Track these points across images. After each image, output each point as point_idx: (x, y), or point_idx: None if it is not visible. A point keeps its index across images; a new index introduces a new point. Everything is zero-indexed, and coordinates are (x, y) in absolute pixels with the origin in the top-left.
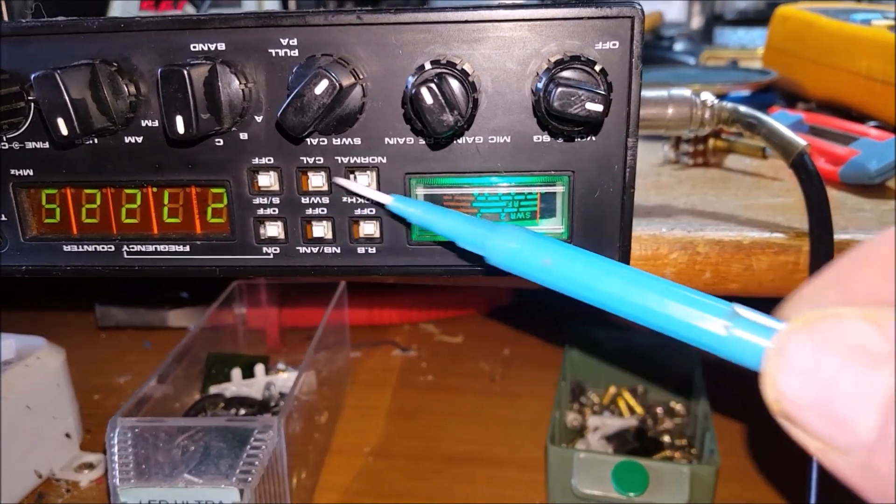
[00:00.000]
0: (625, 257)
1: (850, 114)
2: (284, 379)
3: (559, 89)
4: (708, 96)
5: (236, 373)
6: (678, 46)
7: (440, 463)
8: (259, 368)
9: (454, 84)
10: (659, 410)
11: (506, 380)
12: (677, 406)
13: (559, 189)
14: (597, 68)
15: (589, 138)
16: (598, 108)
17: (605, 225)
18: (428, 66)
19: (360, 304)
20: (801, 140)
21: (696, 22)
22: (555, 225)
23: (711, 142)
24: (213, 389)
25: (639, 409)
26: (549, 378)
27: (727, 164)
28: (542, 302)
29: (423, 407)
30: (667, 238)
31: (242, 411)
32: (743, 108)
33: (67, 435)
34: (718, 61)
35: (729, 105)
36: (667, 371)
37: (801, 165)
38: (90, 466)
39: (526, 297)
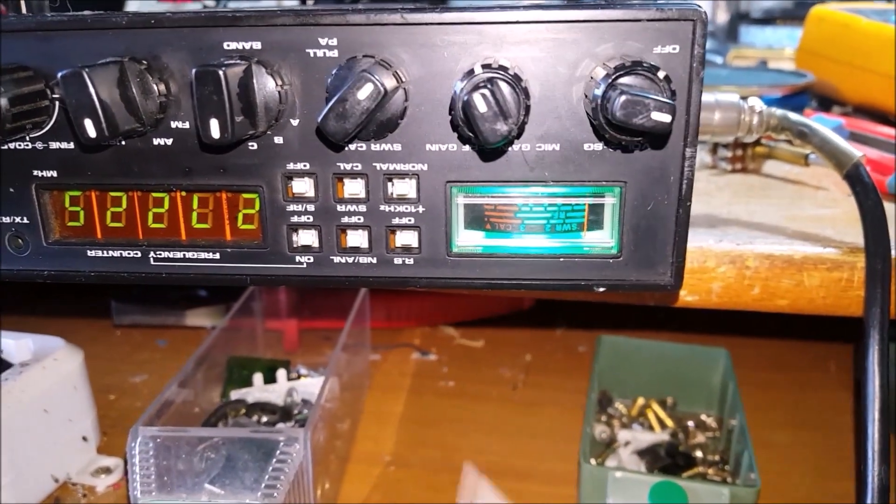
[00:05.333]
0: (678, 274)
1: (887, 119)
2: (306, 384)
3: (622, 98)
4: (756, 102)
5: (258, 377)
6: None
7: (462, 475)
8: (281, 373)
9: (506, 90)
10: (690, 424)
11: (528, 387)
12: (709, 419)
13: (609, 200)
14: (660, 75)
15: (647, 149)
16: (667, 118)
17: (657, 239)
18: (478, 69)
19: (378, 305)
20: (855, 151)
21: (721, 20)
22: (603, 238)
23: (751, 147)
24: (234, 394)
25: (669, 423)
26: (573, 386)
27: (765, 170)
28: (563, 307)
29: (444, 414)
30: (715, 251)
31: (265, 418)
32: (793, 116)
33: (84, 438)
34: (746, 61)
35: (778, 112)
36: (696, 382)
37: (856, 177)
38: (107, 471)
39: (547, 303)
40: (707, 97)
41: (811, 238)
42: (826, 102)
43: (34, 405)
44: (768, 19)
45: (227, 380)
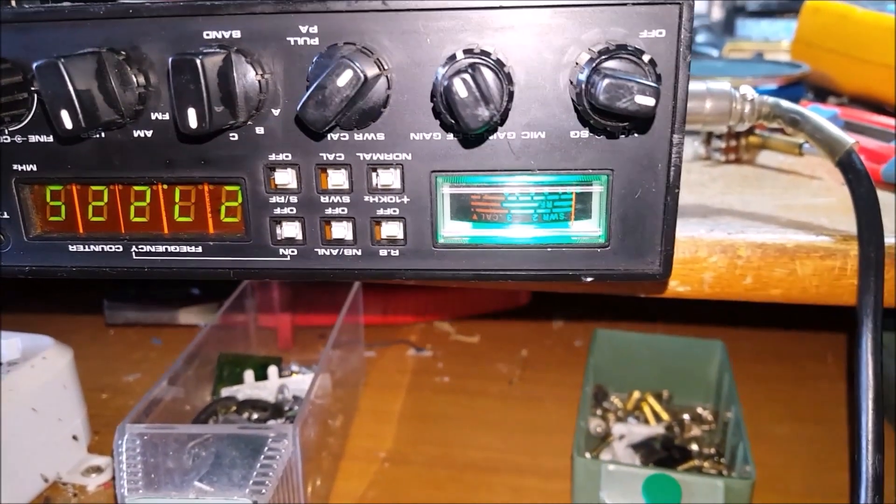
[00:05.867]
0: (667, 263)
1: (883, 108)
2: (298, 381)
3: (605, 81)
4: (748, 90)
5: (249, 374)
6: (699, 38)
7: (458, 470)
8: (272, 370)
9: (488, 75)
10: (686, 417)
11: (524, 382)
12: (704, 412)
13: (597, 189)
14: (645, 58)
15: (633, 135)
16: (650, 102)
17: (645, 228)
18: (460, 55)
19: (373, 301)
20: (848, 138)
21: (717, 13)
22: (591, 227)
23: (745, 138)
24: (225, 392)
25: (665, 416)
26: (569, 381)
27: (759, 160)
28: (559, 301)
29: (440, 410)
30: (706, 241)
31: (255, 415)
32: (785, 104)
33: (74, 437)
34: (742, 54)
35: (770, 100)
36: (692, 375)
37: (848, 165)
38: (98, 470)
39: (543, 297)
40: (698, 85)
41: (804, 226)
42: (822, 93)
43: (23, 404)
44: (764, 12)
45: (217, 377)
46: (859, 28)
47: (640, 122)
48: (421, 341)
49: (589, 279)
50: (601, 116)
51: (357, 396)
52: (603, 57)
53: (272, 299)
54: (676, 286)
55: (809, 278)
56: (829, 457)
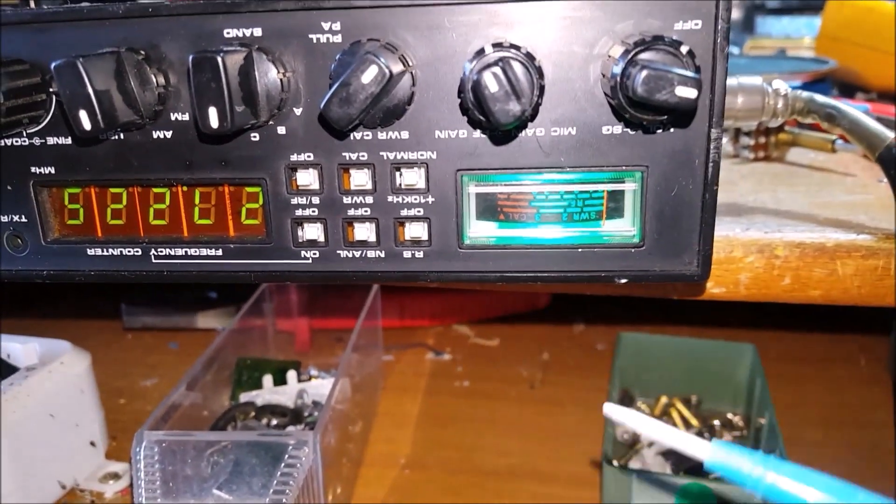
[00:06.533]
0: (705, 263)
1: None
2: (317, 385)
3: (644, 73)
4: (780, 84)
5: (267, 379)
6: None
7: (479, 477)
8: (291, 375)
9: (519, 69)
10: (716, 423)
11: (546, 386)
12: (735, 418)
13: (630, 186)
14: (683, 50)
15: (670, 130)
16: (692, 93)
17: (682, 227)
18: (489, 49)
19: (391, 304)
20: (888, 132)
21: (736, 12)
22: (624, 226)
23: (774, 135)
24: (244, 397)
25: (694, 422)
26: (592, 384)
27: (789, 157)
28: (581, 304)
29: (460, 415)
30: (742, 240)
31: (274, 421)
32: (820, 98)
33: (92, 443)
34: (763, 51)
35: (804, 94)
36: (722, 379)
37: (889, 160)
38: (116, 476)
39: (563, 300)
40: (729, 81)
41: (843, 225)
42: (848, 89)
43: (40, 410)
44: (784, 9)
45: (236, 382)
46: (887, 21)
47: (680, 115)
48: (439, 344)
49: (623, 280)
50: (638, 110)
51: (376, 401)
52: (639, 48)
53: (290, 302)
54: (711, 287)
55: (851, 278)
56: (868, 463)
